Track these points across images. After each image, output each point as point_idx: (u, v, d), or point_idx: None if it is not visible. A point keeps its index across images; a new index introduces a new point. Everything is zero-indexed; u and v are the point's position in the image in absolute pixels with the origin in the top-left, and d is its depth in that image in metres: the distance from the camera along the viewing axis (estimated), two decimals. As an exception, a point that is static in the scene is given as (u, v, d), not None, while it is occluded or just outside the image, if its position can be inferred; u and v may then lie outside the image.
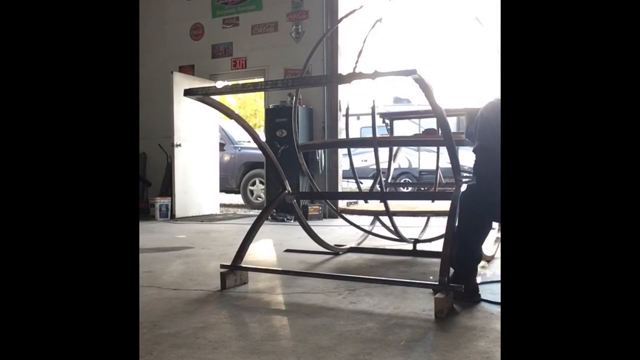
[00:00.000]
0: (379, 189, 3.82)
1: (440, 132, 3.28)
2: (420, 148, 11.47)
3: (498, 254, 3.28)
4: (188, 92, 2.43)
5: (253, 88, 2.66)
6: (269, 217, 5.49)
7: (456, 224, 2.29)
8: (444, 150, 3.63)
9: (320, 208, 6.33)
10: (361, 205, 4.29)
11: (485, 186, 2.20)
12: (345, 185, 8.98)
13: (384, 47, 4.72)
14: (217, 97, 2.65)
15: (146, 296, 2.40)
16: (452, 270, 2.23)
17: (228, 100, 15.69)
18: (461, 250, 2.24)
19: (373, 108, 3.66)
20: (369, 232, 3.98)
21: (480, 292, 2.25)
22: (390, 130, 4.64)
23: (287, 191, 3.03)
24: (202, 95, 2.47)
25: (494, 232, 3.26)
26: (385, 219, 3.91)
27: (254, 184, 8.23)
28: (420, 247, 3.66)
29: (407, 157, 12.01)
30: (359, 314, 2.09)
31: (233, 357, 1.60)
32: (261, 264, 3.26)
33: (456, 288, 2.09)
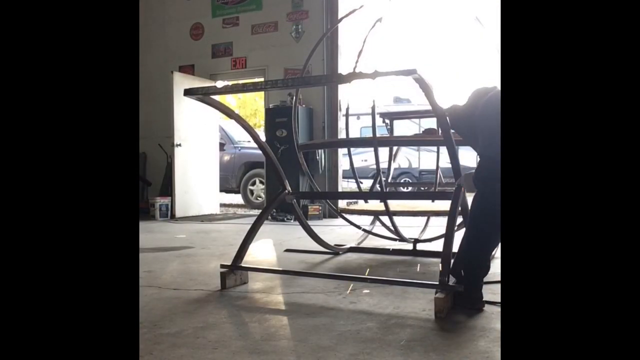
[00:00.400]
0: (379, 188, 3.82)
1: (440, 132, 3.27)
2: (420, 148, 11.48)
3: (498, 254, 3.28)
4: (188, 92, 2.43)
5: (253, 88, 2.66)
6: (269, 217, 5.49)
7: (465, 232, 2.24)
8: (444, 150, 3.63)
9: (320, 208, 6.33)
10: (361, 205, 4.29)
11: (496, 193, 2.12)
12: (345, 185, 8.99)
13: (384, 47, 4.71)
14: (217, 97, 2.65)
15: (146, 296, 2.40)
16: (454, 279, 2.19)
17: (228, 100, 15.69)
18: (469, 260, 2.16)
19: (373, 108, 3.66)
20: (369, 232, 3.98)
21: (484, 299, 2.16)
22: (390, 130, 4.64)
23: (287, 191, 3.03)
24: (202, 95, 2.47)
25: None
26: (385, 219, 3.91)
27: (254, 183, 8.23)
28: (420, 247, 3.66)
29: (407, 157, 12.02)
30: (359, 313, 2.09)
31: (233, 357, 1.60)
32: (261, 264, 3.26)
33: (456, 288, 2.09)
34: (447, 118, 2.40)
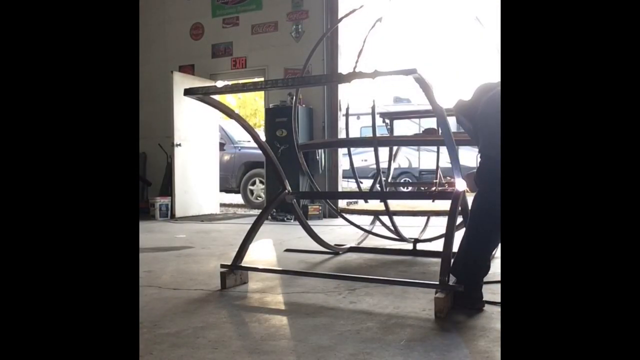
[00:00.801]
0: (379, 188, 3.82)
1: (440, 131, 3.27)
2: (420, 148, 11.49)
3: (498, 254, 3.28)
4: (188, 92, 2.43)
5: (253, 87, 2.66)
6: (269, 217, 5.49)
7: (465, 231, 2.24)
8: (444, 150, 3.63)
9: (320, 208, 6.33)
10: (361, 204, 4.29)
11: (496, 192, 2.13)
12: (345, 185, 8.99)
13: (384, 46, 4.72)
14: (217, 97, 2.65)
15: (146, 296, 2.40)
16: (454, 278, 2.19)
17: (228, 99, 15.69)
18: (468, 260, 2.16)
19: (373, 108, 3.66)
20: (369, 232, 3.98)
21: (484, 299, 2.16)
22: (390, 130, 4.64)
23: (287, 191, 3.03)
24: (202, 94, 2.47)
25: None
26: (385, 219, 3.91)
27: (254, 183, 8.23)
28: (420, 246, 3.66)
29: (407, 157, 12.02)
30: (359, 313, 2.09)
31: (233, 357, 1.60)
32: (261, 264, 3.26)
33: (457, 288, 2.09)
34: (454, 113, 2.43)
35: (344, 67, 6.49)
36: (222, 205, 7.95)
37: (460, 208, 2.43)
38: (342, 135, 6.37)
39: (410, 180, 11.90)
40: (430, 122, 5.41)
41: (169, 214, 6.54)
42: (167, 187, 6.80)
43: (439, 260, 2.23)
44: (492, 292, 2.32)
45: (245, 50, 7.08)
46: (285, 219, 6.07)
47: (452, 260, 2.24)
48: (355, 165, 4.42)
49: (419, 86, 2.05)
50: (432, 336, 1.80)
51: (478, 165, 2.31)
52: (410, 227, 4.37)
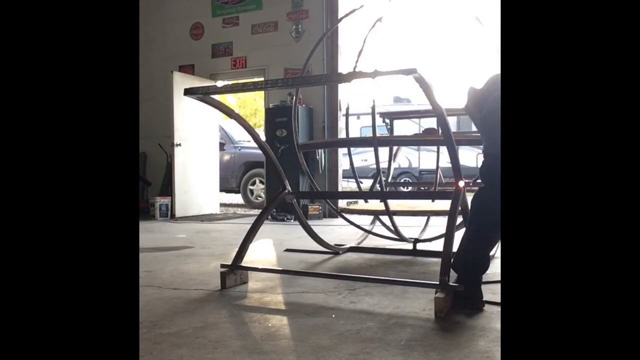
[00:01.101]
0: (379, 188, 3.82)
1: (440, 131, 3.28)
2: (420, 148, 11.49)
3: (498, 254, 3.28)
4: (188, 92, 2.43)
5: (253, 87, 2.66)
6: (269, 217, 5.48)
7: (466, 229, 2.24)
8: (444, 150, 3.63)
9: (320, 207, 6.33)
10: (361, 204, 4.29)
11: (497, 190, 2.14)
12: (345, 184, 8.99)
13: (384, 46, 4.72)
14: (217, 97, 2.65)
15: (146, 296, 2.40)
16: (455, 275, 2.19)
17: (228, 99, 15.69)
18: (468, 258, 2.17)
19: (373, 107, 3.66)
20: (369, 232, 3.98)
21: (484, 299, 2.16)
22: (390, 130, 4.64)
23: (287, 191, 3.03)
24: (202, 94, 2.48)
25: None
26: (385, 219, 3.91)
27: (254, 183, 8.23)
28: (420, 246, 3.66)
29: (407, 157, 12.02)
30: (359, 313, 2.09)
31: (233, 357, 1.60)
32: (261, 264, 3.26)
33: (457, 288, 2.09)
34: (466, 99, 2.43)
35: (344, 67, 6.49)
36: (222, 205, 7.95)
37: (460, 208, 2.44)
38: (342, 135, 6.37)
39: (410, 180, 11.91)
40: (430, 122, 5.41)
41: (169, 214, 6.54)
42: (167, 187, 6.80)
43: (439, 260, 2.23)
44: (492, 292, 2.32)
45: (245, 50, 7.08)
46: (285, 219, 6.07)
47: (453, 258, 2.24)
48: (355, 165, 4.42)
49: (419, 86, 2.05)
50: (432, 336, 1.80)
51: (481, 163, 2.31)
52: (410, 227, 4.37)
